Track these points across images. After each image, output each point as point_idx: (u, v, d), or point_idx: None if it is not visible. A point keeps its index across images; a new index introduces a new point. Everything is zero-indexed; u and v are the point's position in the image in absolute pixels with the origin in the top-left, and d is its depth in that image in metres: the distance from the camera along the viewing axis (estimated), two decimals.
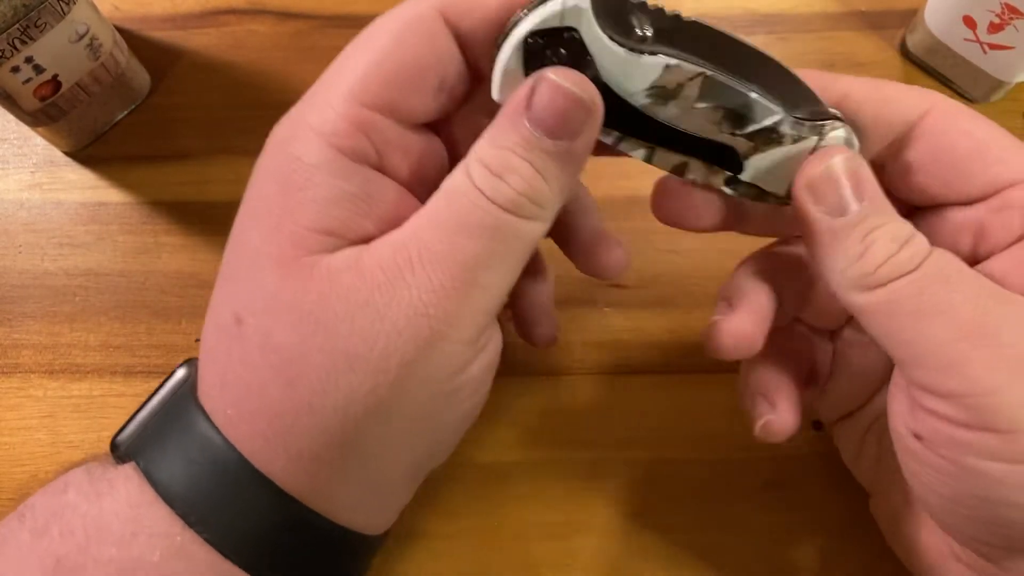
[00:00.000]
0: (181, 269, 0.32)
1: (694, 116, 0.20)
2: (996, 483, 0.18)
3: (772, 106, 0.20)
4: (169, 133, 0.34)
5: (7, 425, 0.29)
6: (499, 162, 0.19)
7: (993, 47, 0.32)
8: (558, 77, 0.19)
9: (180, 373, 0.23)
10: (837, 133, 0.21)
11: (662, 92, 0.20)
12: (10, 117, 0.31)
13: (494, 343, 0.21)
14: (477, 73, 0.21)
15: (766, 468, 0.29)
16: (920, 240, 0.20)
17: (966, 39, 0.33)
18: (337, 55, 0.21)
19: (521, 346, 0.31)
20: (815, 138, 0.21)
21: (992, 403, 0.18)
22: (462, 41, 0.21)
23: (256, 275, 0.19)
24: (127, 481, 0.20)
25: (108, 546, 0.19)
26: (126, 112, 0.34)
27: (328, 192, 0.19)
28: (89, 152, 0.33)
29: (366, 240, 0.20)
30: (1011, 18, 0.31)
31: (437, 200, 0.19)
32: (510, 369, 0.30)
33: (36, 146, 0.34)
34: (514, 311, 0.27)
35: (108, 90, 0.32)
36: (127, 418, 0.23)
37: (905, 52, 0.36)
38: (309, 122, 0.20)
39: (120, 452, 0.21)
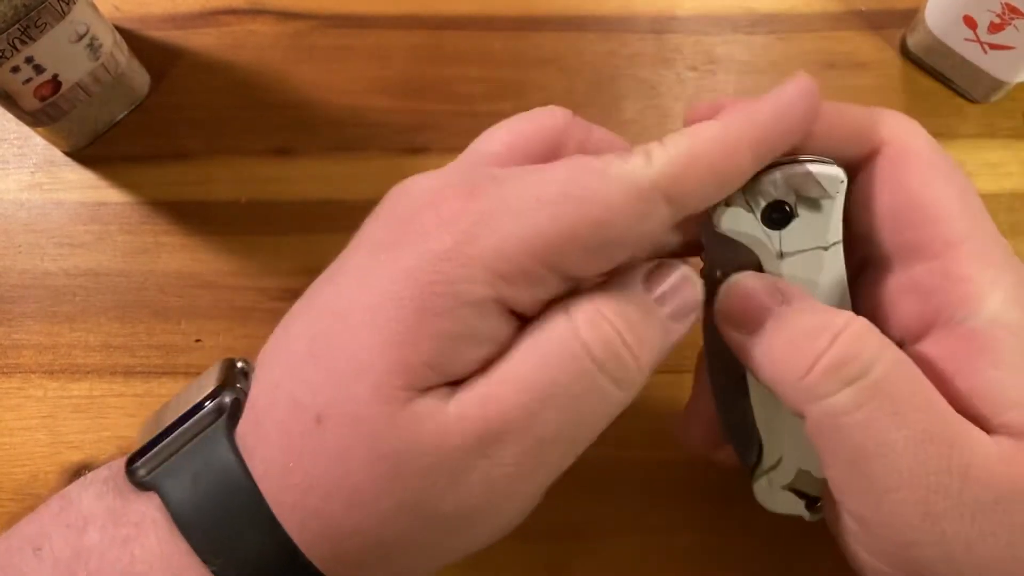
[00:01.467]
0: (181, 269, 0.32)
1: None
2: None
3: None
4: (169, 133, 0.34)
5: (7, 425, 0.29)
6: (617, 315, 0.18)
7: (993, 47, 0.32)
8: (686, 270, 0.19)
9: (210, 406, 0.20)
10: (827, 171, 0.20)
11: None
12: (10, 117, 0.31)
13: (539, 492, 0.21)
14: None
15: None
16: (860, 331, 0.18)
17: (966, 39, 0.33)
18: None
19: None
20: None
21: (913, 555, 0.18)
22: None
23: (350, 384, 0.18)
24: (155, 527, 0.19)
25: None
26: (126, 112, 0.34)
27: (462, 330, 0.18)
28: (89, 152, 0.33)
29: (461, 374, 0.19)
30: (1011, 18, 0.31)
31: (530, 358, 0.18)
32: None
33: (36, 146, 0.34)
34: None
35: (108, 90, 0.32)
36: (144, 438, 0.20)
37: (905, 52, 0.36)
38: (481, 248, 0.18)
39: (139, 477, 0.20)
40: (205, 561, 0.18)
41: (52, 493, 0.29)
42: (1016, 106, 0.35)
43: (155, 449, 0.20)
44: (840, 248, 0.21)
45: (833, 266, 0.21)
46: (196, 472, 0.19)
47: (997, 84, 0.34)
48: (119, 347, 0.30)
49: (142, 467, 0.20)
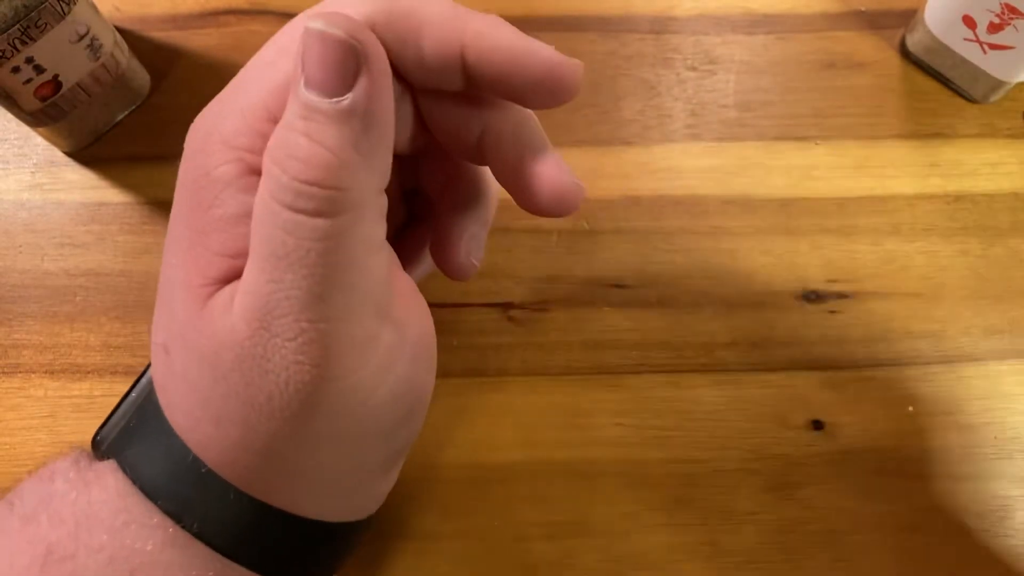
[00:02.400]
0: None
1: None
2: None
3: None
4: (169, 133, 0.34)
5: (7, 425, 0.29)
6: (282, 150, 0.17)
7: (993, 47, 0.32)
8: (320, 24, 0.16)
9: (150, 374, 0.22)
10: None
11: None
12: (10, 117, 0.31)
13: (404, 342, 0.20)
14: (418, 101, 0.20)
15: (766, 468, 0.29)
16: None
17: (966, 39, 0.33)
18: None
19: (519, 347, 0.31)
20: None
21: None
22: (396, 66, 0.19)
23: (173, 304, 0.19)
24: (114, 473, 0.20)
25: (99, 533, 0.19)
26: (126, 112, 0.34)
27: (236, 209, 0.18)
28: (89, 152, 0.33)
29: None
30: (1011, 18, 0.31)
31: (252, 234, 0.17)
32: (510, 369, 0.30)
33: (36, 146, 0.34)
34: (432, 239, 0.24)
35: (108, 90, 0.32)
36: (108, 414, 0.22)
37: (905, 52, 0.36)
38: (222, 135, 0.18)
39: (101, 450, 0.21)
40: (155, 501, 0.19)
41: None
42: (1016, 106, 0.35)
43: (110, 421, 0.22)
44: None
45: None
46: (141, 430, 0.21)
47: (997, 84, 0.34)
48: (119, 347, 0.30)
49: (102, 440, 0.21)
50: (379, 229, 0.19)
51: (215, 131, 0.18)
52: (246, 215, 0.18)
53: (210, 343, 0.18)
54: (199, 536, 0.19)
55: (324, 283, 0.17)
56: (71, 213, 0.32)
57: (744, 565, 0.28)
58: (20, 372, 0.30)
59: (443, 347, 0.30)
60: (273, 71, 0.18)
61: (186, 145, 0.19)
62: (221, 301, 0.18)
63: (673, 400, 0.30)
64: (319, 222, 0.17)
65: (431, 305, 0.30)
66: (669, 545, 0.28)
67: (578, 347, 0.31)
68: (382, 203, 0.19)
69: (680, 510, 0.29)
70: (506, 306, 0.31)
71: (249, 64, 0.19)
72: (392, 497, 0.29)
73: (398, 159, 0.20)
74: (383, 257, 0.19)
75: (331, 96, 0.17)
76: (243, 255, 0.18)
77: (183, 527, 0.19)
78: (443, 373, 0.30)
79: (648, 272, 0.32)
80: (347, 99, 0.17)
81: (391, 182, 0.19)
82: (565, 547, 0.28)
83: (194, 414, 0.19)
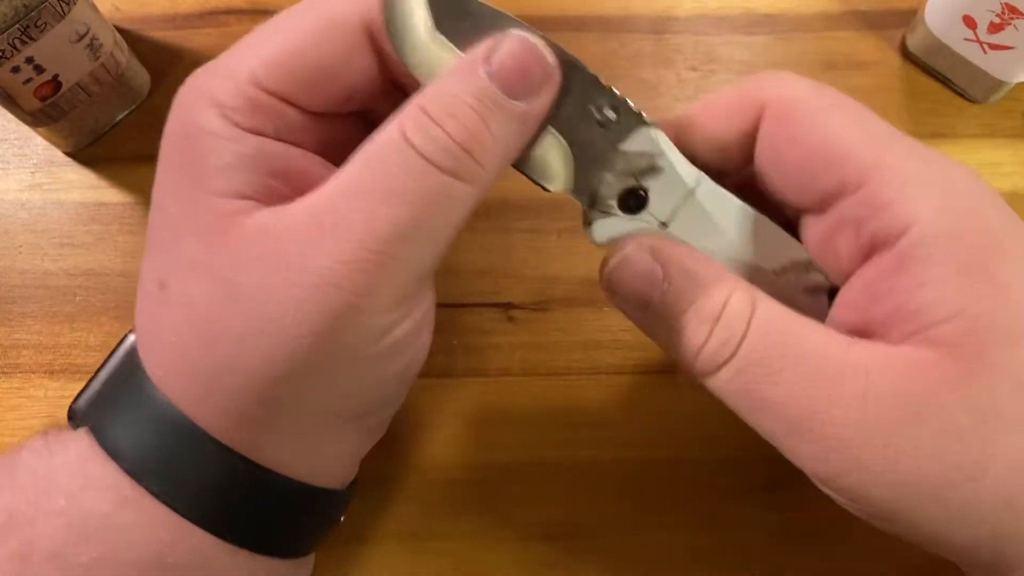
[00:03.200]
0: None
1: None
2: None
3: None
4: None
5: (7, 425, 0.29)
6: (442, 107, 0.18)
7: (993, 47, 0.32)
8: (527, 33, 0.18)
9: (131, 339, 0.22)
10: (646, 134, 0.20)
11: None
12: (10, 117, 0.31)
13: (423, 306, 0.21)
14: (397, 83, 0.21)
15: (766, 468, 0.29)
16: (735, 313, 0.19)
17: (966, 39, 0.33)
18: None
19: (519, 347, 0.31)
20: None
21: (839, 486, 0.18)
22: (384, 55, 0.20)
23: (178, 243, 0.20)
24: (78, 441, 0.20)
25: (57, 498, 0.19)
26: (126, 112, 0.34)
27: (230, 158, 0.19)
28: (89, 152, 0.33)
29: (285, 201, 0.19)
30: (1011, 18, 0.31)
31: (357, 160, 0.18)
32: (509, 370, 0.30)
33: (36, 146, 0.34)
34: None
35: (108, 90, 0.32)
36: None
37: (905, 52, 0.36)
38: (211, 92, 0.20)
39: (76, 419, 0.22)
40: (117, 461, 0.19)
41: None
42: (1016, 106, 0.35)
43: (85, 392, 0.22)
44: (706, 179, 0.21)
45: (713, 198, 0.22)
46: (114, 395, 0.21)
47: (997, 84, 0.34)
48: None
49: (77, 410, 0.22)
50: (467, 216, 0.20)
51: (205, 90, 0.20)
52: (239, 162, 0.19)
53: (231, 261, 0.18)
54: (159, 497, 0.19)
55: (412, 229, 0.18)
56: (71, 213, 0.32)
57: (744, 565, 0.28)
58: (20, 372, 0.30)
59: (443, 347, 0.30)
60: (268, 43, 0.20)
61: (176, 102, 0.20)
62: (254, 224, 0.19)
63: (673, 400, 0.30)
64: (447, 179, 0.18)
65: None
66: (669, 545, 0.28)
67: (578, 347, 0.31)
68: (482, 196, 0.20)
69: (680, 510, 0.29)
70: (506, 306, 0.31)
71: (246, 36, 0.20)
72: (392, 497, 0.29)
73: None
74: (452, 240, 0.20)
75: (512, 95, 0.18)
76: (247, 196, 0.19)
77: (144, 487, 0.19)
78: (443, 373, 0.30)
79: None
80: (525, 105, 0.19)
81: None
82: (565, 547, 0.28)
83: (182, 347, 0.19)
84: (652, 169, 0.21)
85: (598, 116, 0.20)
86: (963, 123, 0.35)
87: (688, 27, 0.36)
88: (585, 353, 0.31)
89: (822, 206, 0.20)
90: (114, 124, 0.34)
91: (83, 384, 0.30)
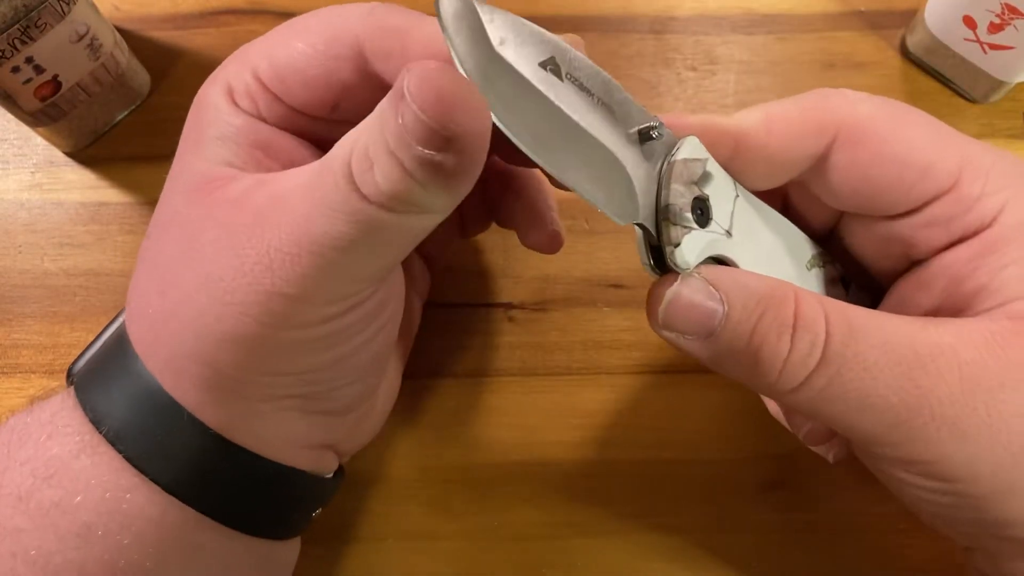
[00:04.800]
0: None
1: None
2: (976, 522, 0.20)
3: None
4: (169, 133, 0.33)
5: None
6: (373, 148, 0.17)
7: (993, 47, 0.32)
8: (431, 73, 0.16)
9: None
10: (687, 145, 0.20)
11: None
12: (10, 117, 0.31)
13: (372, 302, 0.21)
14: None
15: (766, 468, 0.29)
16: (809, 317, 0.19)
17: (966, 39, 0.33)
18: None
19: (519, 347, 0.31)
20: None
21: (942, 468, 0.19)
22: (374, 73, 0.21)
23: (168, 199, 0.21)
24: (61, 398, 0.21)
25: (28, 448, 0.20)
26: (126, 112, 0.34)
27: (225, 129, 0.21)
28: (89, 152, 0.33)
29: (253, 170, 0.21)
30: (1011, 18, 0.31)
31: (319, 164, 0.19)
32: (510, 370, 0.30)
33: (36, 146, 0.34)
34: (504, 221, 0.26)
35: (108, 90, 0.32)
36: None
37: (905, 52, 0.36)
38: (226, 74, 0.22)
39: (70, 380, 0.22)
40: (83, 408, 0.20)
41: None
42: (1016, 106, 0.35)
43: (86, 351, 0.23)
44: (739, 186, 0.22)
45: (748, 201, 0.22)
46: (103, 360, 0.22)
47: (997, 84, 0.34)
48: None
49: (73, 367, 0.23)
50: (421, 235, 0.19)
51: (223, 70, 0.22)
52: (231, 133, 0.21)
53: (200, 217, 0.20)
54: (110, 440, 0.20)
55: (346, 243, 0.18)
56: (71, 213, 0.32)
57: (744, 565, 0.28)
58: (20, 372, 0.30)
59: (443, 347, 0.30)
60: (277, 44, 0.21)
61: (216, 70, 0.22)
62: (234, 189, 0.20)
63: (672, 400, 0.30)
64: (381, 213, 0.18)
65: (432, 305, 0.30)
66: (669, 545, 0.28)
67: (578, 347, 0.31)
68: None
69: (680, 510, 0.29)
70: (506, 306, 0.31)
71: (275, 28, 0.22)
72: (391, 497, 0.29)
73: None
74: (404, 253, 0.20)
75: (429, 146, 0.16)
76: (235, 166, 0.21)
77: (103, 435, 0.20)
78: (443, 373, 0.30)
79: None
80: (450, 160, 0.17)
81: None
82: (565, 547, 0.28)
83: (144, 293, 0.20)
84: (706, 175, 0.20)
85: (649, 133, 0.20)
86: (963, 123, 0.35)
87: (688, 27, 0.36)
88: (585, 353, 0.31)
89: (902, 212, 0.21)
90: (114, 124, 0.34)
91: None
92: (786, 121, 0.21)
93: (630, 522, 0.28)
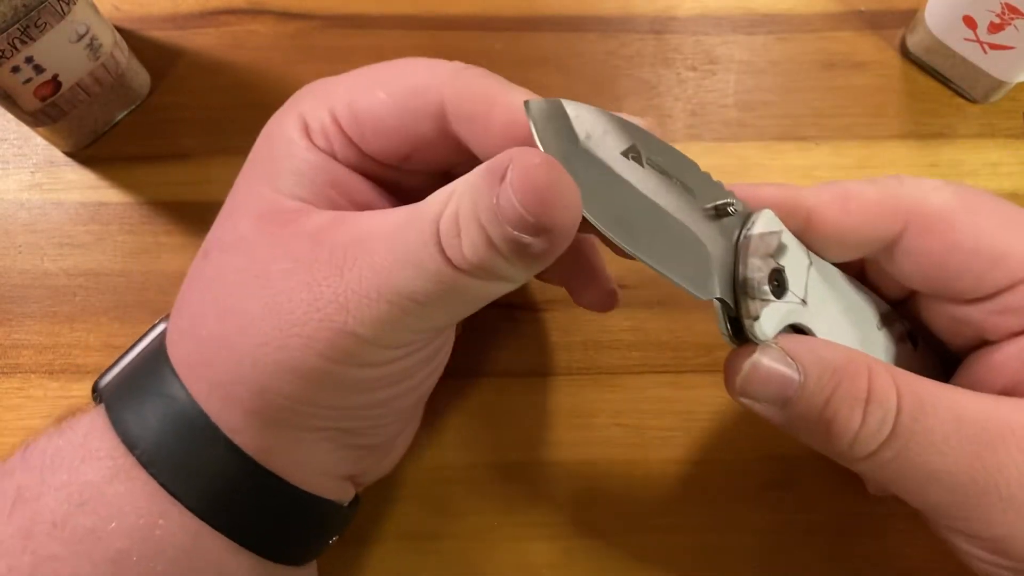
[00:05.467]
0: (181, 269, 0.31)
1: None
2: None
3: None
4: (169, 133, 0.34)
5: (7, 425, 0.29)
6: (464, 218, 0.17)
7: (993, 47, 0.32)
8: (534, 169, 0.17)
9: (161, 326, 0.24)
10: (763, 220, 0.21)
11: None
12: (10, 117, 0.31)
13: (429, 348, 0.22)
14: (463, 154, 0.22)
15: (766, 468, 0.29)
16: (883, 391, 0.20)
17: (966, 39, 0.33)
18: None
19: (519, 347, 0.31)
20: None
21: (1007, 546, 0.19)
22: (450, 129, 0.21)
23: (232, 219, 0.21)
24: (91, 418, 0.21)
25: (61, 473, 0.20)
26: (126, 112, 0.34)
27: (300, 165, 0.21)
28: (89, 152, 0.33)
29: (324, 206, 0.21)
30: (1011, 18, 0.31)
31: (403, 217, 0.19)
32: (510, 370, 0.30)
33: (36, 146, 0.33)
34: (554, 279, 0.27)
35: (108, 90, 0.32)
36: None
37: (905, 52, 0.36)
38: (301, 108, 0.22)
39: (97, 394, 0.22)
40: (115, 428, 0.20)
41: None
42: (1016, 106, 0.35)
43: (114, 366, 0.23)
44: (810, 252, 0.22)
45: (822, 267, 0.22)
46: (132, 372, 0.22)
47: (997, 84, 0.34)
48: (119, 347, 0.30)
49: (101, 383, 0.23)
50: (494, 295, 0.20)
51: (298, 104, 0.22)
52: (307, 169, 0.21)
53: (270, 244, 0.20)
54: (143, 463, 0.20)
55: (423, 297, 0.18)
56: (71, 213, 0.32)
57: (744, 565, 0.28)
58: (20, 372, 0.30)
59: None
60: (355, 88, 0.22)
61: (281, 109, 0.23)
62: (311, 223, 0.20)
63: (673, 400, 0.30)
64: (462, 277, 0.18)
65: None
66: (669, 545, 0.28)
67: (578, 347, 0.31)
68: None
69: (680, 510, 0.29)
70: (506, 306, 0.31)
71: (358, 71, 0.22)
72: (392, 497, 0.29)
73: None
74: (473, 310, 0.21)
75: (522, 230, 0.17)
76: (309, 201, 0.21)
77: (136, 457, 0.20)
78: (444, 373, 0.30)
79: (648, 272, 0.31)
80: (539, 243, 0.17)
81: None
82: (565, 547, 0.28)
83: (200, 313, 0.20)
84: (781, 247, 0.21)
85: (726, 209, 0.20)
86: (963, 123, 0.35)
87: (688, 27, 0.36)
88: (585, 353, 0.31)
89: (975, 299, 0.22)
90: (114, 124, 0.34)
91: (83, 385, 0.30)
92: (861, 202, 0.22)
93: (630, 522, 0.28)
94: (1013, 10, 0.30)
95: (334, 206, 0.21)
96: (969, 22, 0.32)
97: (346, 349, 0.19)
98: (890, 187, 0.22)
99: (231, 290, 0.20)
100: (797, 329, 0.21)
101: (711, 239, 0.20)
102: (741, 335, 0.21)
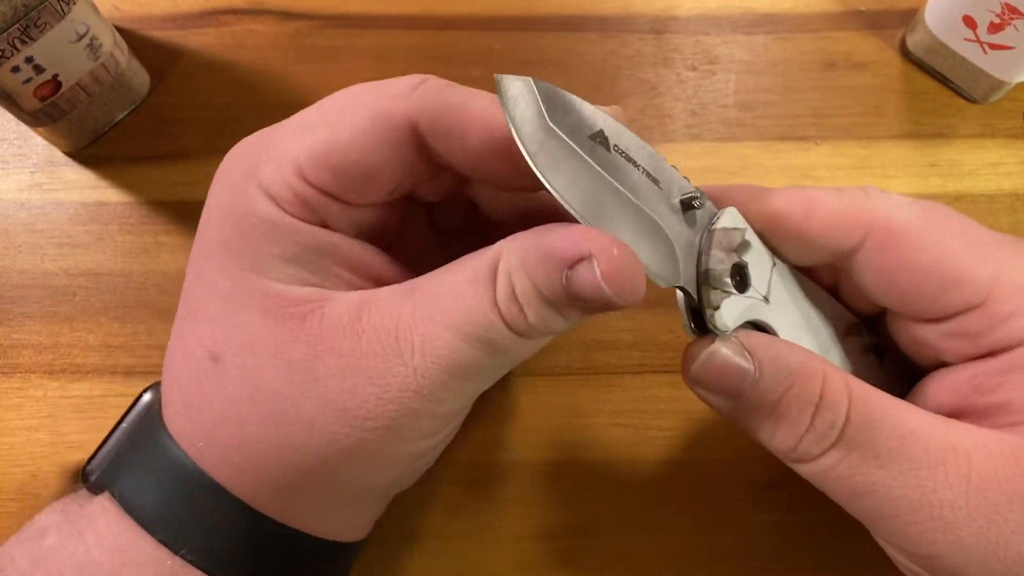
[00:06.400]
0: (181, 269, 0.31)
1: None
2: None
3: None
4: (169, 133, 0.34)
5: (7, 425, 0.29)
6: (525, 295, 0.18)
7: (993, 47, 0.32)
8: (620, 261, 0.18)
9: (146, 398, 0.23)
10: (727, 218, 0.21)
11: None
12: (10, 117, 0.31)
13: (468, 409, 0.23)
14: (443, 167, 0.21)
15: (765, 468, 0.29)
16: (834, 397, 0.20)
17: (966, 39, 0.33)
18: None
19: None
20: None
21: (934, 565, 0.19)
22: (428, 148, 0.21)
23: (235, 318, 0.20)
24: (105, 514, 0.20)
25: None
26: (126, 112, 0.34)
27: (293, 248, 0.20)
28: (89, 152, 0.33)
29: (349, 287, 0.20)
30: (1011, 18, 0.31)
31: (446, 290, 0.19)
32: (511, 370, 0.30)
33: (36, 146, 0.33)
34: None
35: (108, 90, 0.32)
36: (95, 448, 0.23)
37: (905, 52, 0.36)
38: (260, 180, 0.20)
39: (92, 481, 0.21)
40: (151, 533, 0.20)
41: (52, 493, 0.29)
42: (1016, 106, 0.35)
43: (100, 452, 0.22)
44: (775, 256, 0.22)
45: (785, 270, 0.23)
46: (136, 458, 0.21)
47: (997, 84, 0.34)
48: (119, 347, 0.30)
49: (92, 471, 0.22)
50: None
51: (252, 174, 0.20)
52: (301, 252, 0.20)
53: (307, 349, 0.19)
54: (195, 564, 0.19)
55: (486, 366, 0.19)
56: (70, 213, 0.32)
57: (744, 565, 0.28)
58: (20, 372, 0.30)
59: None
60: (311, 136, 0.20)
61: (222, 175, 0.21)
62: (335, 316, 0.19)
63: (673, 400, 0.30)
64: (520, 339, 0.19)
65: None
66: (669, 545, 0.28)
67: (578, 347, 0.31)
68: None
69: (680, 510, 0.29)
70: None
71: (291, 119, 0.21)
72: (393, 497, 0.29)
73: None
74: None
75: (583, 308, 0.19)
76: (312, 283, 0.20)
77: (181, 556, 0.19)
78: None
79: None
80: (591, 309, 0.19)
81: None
82: (565, 547, 0.28)
83: (237, 421, 0.19)
84: (744, 244, 0.21)
85: (691, 203, 0.21)
86: (963, 123, 0.35)
87: (688, 27, 0.36)
88: (585, 353, 0.31)
89: (936, 319, 0.21)
90: (114, 124, 0.34)
91: (82, 385, 0.30)
92: (824, 210, 0.22)
93: (630, 522, 0.28)
94: (1013, 10, 0.30)
95: (342, 280, 0.21)
96: (969, 22, 0.32)
97: (418, 428, 0.20)
98: (855, 199, 0.22)
99: (277, 397, 0.19)
100: (759, 327, 0.22)
101: (676, 231, 0.20)
102: (702, 327, 0.21)
